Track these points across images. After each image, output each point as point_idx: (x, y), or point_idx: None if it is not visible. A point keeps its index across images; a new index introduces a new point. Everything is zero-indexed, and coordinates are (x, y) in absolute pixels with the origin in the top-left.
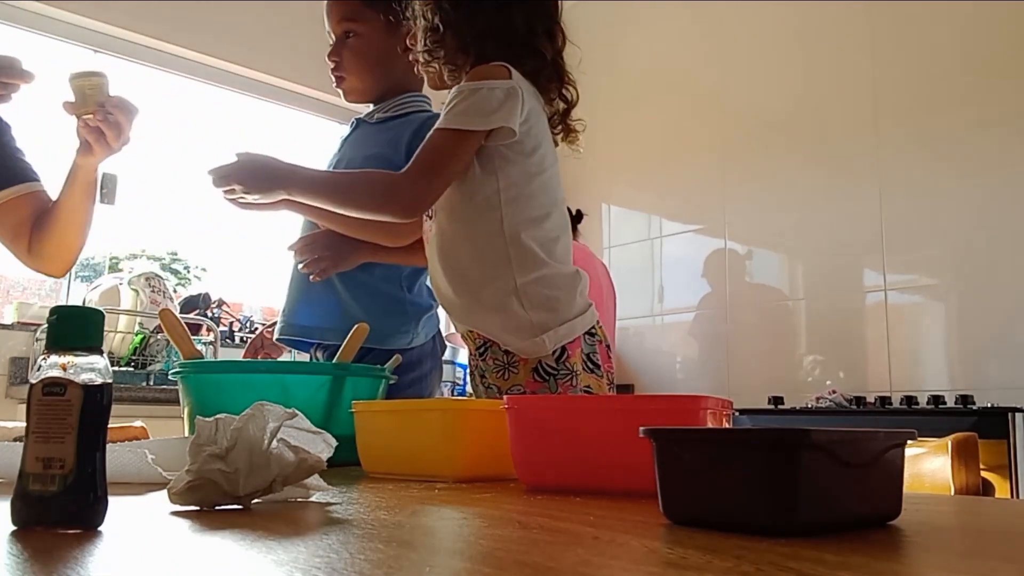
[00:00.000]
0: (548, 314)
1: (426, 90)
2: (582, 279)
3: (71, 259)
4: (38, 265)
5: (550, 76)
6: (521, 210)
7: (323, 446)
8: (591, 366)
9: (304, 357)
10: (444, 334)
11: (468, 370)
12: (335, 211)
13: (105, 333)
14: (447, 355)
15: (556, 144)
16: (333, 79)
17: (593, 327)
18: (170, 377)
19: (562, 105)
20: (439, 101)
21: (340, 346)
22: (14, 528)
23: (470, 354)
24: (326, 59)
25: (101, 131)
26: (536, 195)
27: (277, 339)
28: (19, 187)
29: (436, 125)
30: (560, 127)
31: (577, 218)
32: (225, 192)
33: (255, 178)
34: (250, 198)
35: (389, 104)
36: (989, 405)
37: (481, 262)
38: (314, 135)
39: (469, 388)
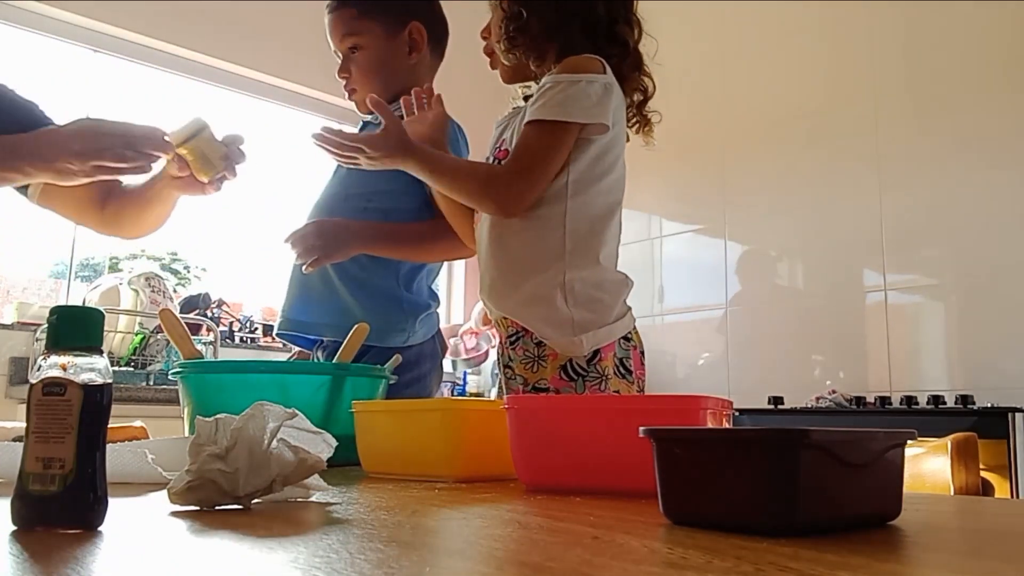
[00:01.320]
0: (590, 314)
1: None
2: (629, 286)
3: (152, 231)
4: (115, 232)
5: (632, 67)
6: (586, 206)
7: (323, 446)
8: (623, 371)
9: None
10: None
11: (496, 358)
12: (443, 191)
13: (105, 333)
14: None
15: (627, 138)
16: (346, 94)
17: (630, 332)
18: (170, 377)
19: (638, 96)
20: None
21: (339, 343)
22: (14, 528)
23: (500, 342)
24: (336, 77)
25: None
26: (603, 193)
27: (276, 334)
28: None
29: (532, 116)
30: (636, 119)
31: None
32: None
33: (388, 146)
34: (376, 164)
35: (395, 107)
36: (989, 405)
37: (535, 251)
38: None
39: (470, 388)
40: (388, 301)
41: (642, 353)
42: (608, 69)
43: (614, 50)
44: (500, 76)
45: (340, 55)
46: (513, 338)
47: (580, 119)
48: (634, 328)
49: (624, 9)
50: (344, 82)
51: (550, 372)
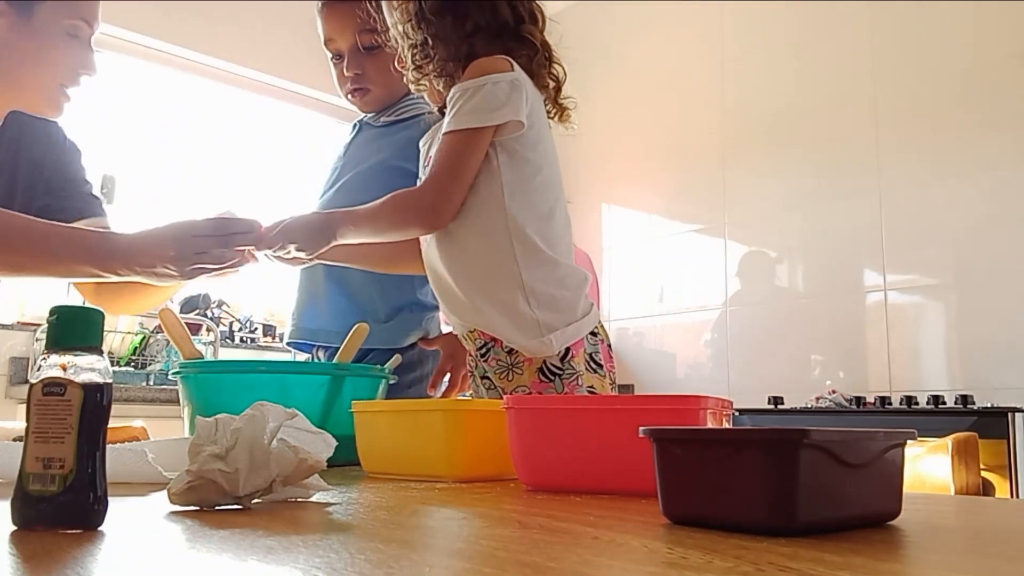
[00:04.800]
0: (554, 314)
1: None
2: (587, 280)
3: (131, 312)
4: (102, 305)
5: (541, 61)
6: (525, 206)
7: (323, 446)
8: (594, 366)
9: (303, 356)
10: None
11: (470, 370)
12: (377, 241)
13: (105, 333)
14: None
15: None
16: (350, 92)
17: (596, 327)
18: (170, 377)
19: (552, 86)
20: None
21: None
22: (14, 528)
23: (470, 356)
24: (341, 72)
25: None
26: (539, 191)
27: (287, 343)
28: (81, 223)
29: (445, 129)
30: (553, 109)
31: None
32: (276, 251)
33: (307, 236)
34: (303, 255)
35: (395, 107)
36: (989, 405)
37: (487, 259)
38: (313, 133)
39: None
40: (404, 304)
41: (609, 346)
42: (516, 66)
43: (524, 50)
44: (429, 98)
45: (340, 48)
46: (483, 350)
47: (487, 123)
48: (599, 323)
49: (526, 3)
50: (353, 79)
51: (528, 377)
